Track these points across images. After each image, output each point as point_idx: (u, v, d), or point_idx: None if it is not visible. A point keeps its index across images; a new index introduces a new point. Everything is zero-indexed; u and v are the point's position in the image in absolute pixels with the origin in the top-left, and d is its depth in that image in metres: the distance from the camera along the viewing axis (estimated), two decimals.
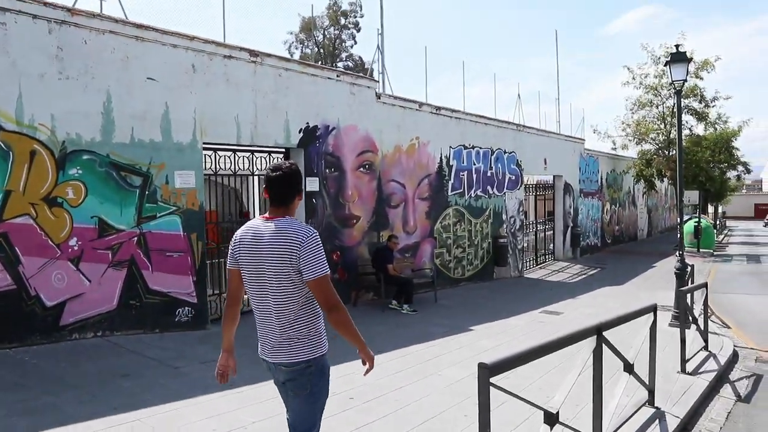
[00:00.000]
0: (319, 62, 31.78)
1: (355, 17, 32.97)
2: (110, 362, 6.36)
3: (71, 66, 6.92)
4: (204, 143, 8.32)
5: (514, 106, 20.93)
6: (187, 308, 8.05)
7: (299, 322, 2.87)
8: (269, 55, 9.09)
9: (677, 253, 10.42)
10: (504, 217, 15.47)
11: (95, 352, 6.67)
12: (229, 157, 8.95)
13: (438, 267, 12.95)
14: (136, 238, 7.55)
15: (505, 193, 15.49)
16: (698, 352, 7.67)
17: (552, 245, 19.26)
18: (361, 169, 10.89)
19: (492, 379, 3.16)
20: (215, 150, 8.74)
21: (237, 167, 9.08)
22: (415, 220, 12.28)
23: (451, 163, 13.36)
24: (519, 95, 20.38)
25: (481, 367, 3.01)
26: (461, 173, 13.76)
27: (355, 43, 33.36)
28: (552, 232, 19.25)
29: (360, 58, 33.96)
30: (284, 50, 32.43)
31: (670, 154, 21.52)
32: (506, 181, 15.56)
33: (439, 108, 13.00)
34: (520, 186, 16.24)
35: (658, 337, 8.51)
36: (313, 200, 9.91)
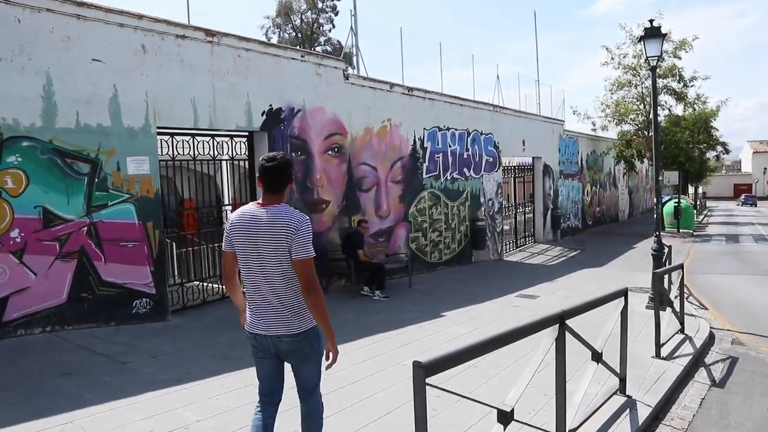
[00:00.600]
0: (298, 46, 31.10)
1: (332, 0, 32.28)
2: (54, 359, 5.94)
3: (4, 46, 6.40)
4: (159, 127, 7.86)
5: (493, 89, 20.50)
6: (144, 299, 7.63)
7: (296, 296, 3.11)
8: (227, 35, 8.60)
9: (654, 234, 10.16)
10: (482, 199, 15.14)
11: (40, 349, 6.25)
12: (188, 141, 8.49)
13: (414, 251, 12.61)
14: (86, 228, 7.10)
15: (482, 176, 15.13)
16: (674, 335, 7.41)
17: (532, 228, 18.98)
18: (330, 152, 10.47)
19: (443, 375, 2.82)
20: (172, 135, 8.28)
21: (197, 152, 8.63)
22: (389, 203, 11.90)
23: (425, 145, 12.97)
24: (498, 77, 19.85)
25: (416, 366, 2.65)
26: (436, 155, 13.37)
27: (333, 27, 32.73)
28: (532, 214, 18.96)
29: (338, 41, 33.24)
30: (261, 35, 31.65)
31: (650, 134, 21.20)
32: (483, 163, 15.20)
33: (411, 89, 12.57)
34: (498, 168, 15.90)
35: (635, 320, 8.22)
36: None
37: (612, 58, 21.78)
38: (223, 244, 3.25)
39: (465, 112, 14.41)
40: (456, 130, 14.05)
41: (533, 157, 18.56)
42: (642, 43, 9.27)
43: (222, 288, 9.26)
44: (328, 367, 3.21)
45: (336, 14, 32.45)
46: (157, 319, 7.70)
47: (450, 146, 13.85)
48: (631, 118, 21.86)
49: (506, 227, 18.06)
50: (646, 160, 23.74)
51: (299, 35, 31.91)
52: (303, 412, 3.36)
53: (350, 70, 11.09)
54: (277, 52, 9.40)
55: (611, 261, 15.63)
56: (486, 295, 10.50)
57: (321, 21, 32.30)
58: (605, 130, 23.21)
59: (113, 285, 7.33)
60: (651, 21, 9.24)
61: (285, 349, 3.17)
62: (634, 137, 21.98)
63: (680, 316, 7.77)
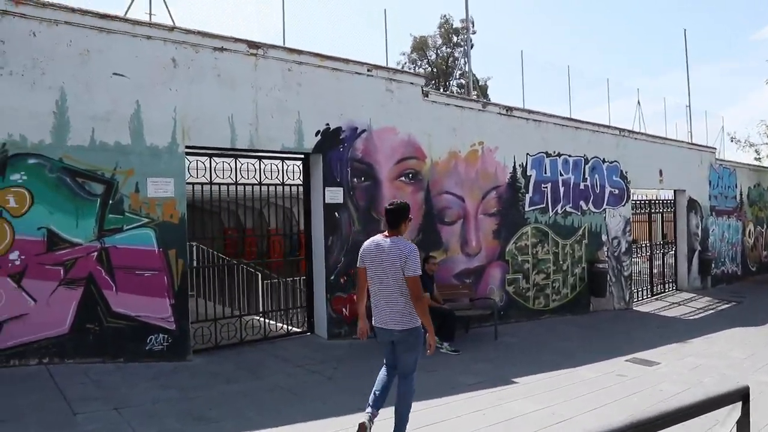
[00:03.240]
0: (432, 82, 30.11)
1: (468, 34, 30.99)
2: (12, 399, 5.01)
3: (15, 61, 5.83)
4: (189, 147, 6.93)
5: (633, 116, 17.53)
6: (161, 335, 6.60)
7: (406, 302, 4.25)
8: (274, 47, 7.54)
9: None
10: (604, 237, 12.46)
11: (15, 384, 5.38)
12: (229, 163, 7.48)
13: (511, 296, 10.47)
14: (96, 253, 6.27)
15: (605, 210, 12.49)
16: None
17: (674, 273, 15.55)
18: (403, 178, 8.90)
19: None
20: (210, 156, 7.31)
21: (239, 176, 7.57)
22: (479, 239, 9.96)
23: (528, 174, 10.85)
24: (639, 102, 16.95)
25: None
26: (543, 185, 11.15)
27: (468, 60, 31.28)
28: (674, 257, 15.54)
29: (474, 75, 31.82)
30: None
31: None
32: (606, 195, 12.56)
33: (510, 108, 10.61)
34: (626, 201, 13.08)
35: None
36: (336, 214, 8.10)
37: None
38: (358, 262, 4.44)
39: (582, 135, 12.01)
40: (570, 156, 11.71)
41: (675, 190, 15.25)
42: None
43: (266, 323, 8.05)
44: (429, 353, 4.30)
45: (471, 47, 31.09)
46: (174, 359, 6.63)
47: (562, 175, 11.54)
48: None
49: (651, 270, 14.97)
50: None
51: (434, 70, 30.98)
52: (398, 390, 4.35)
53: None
54: (336, 66, 8.14)
55: None
56: (587, 357, 8.11)
57: (456, 55, 31.13)
58: None
59: (125, 317, 6.39)
60: None
61: (396, 339, 4.27)
62: None
63: None
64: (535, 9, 56.53)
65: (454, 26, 30.51)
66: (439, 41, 31.10)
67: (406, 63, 30.90)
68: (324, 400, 5.54)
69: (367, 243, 4.43)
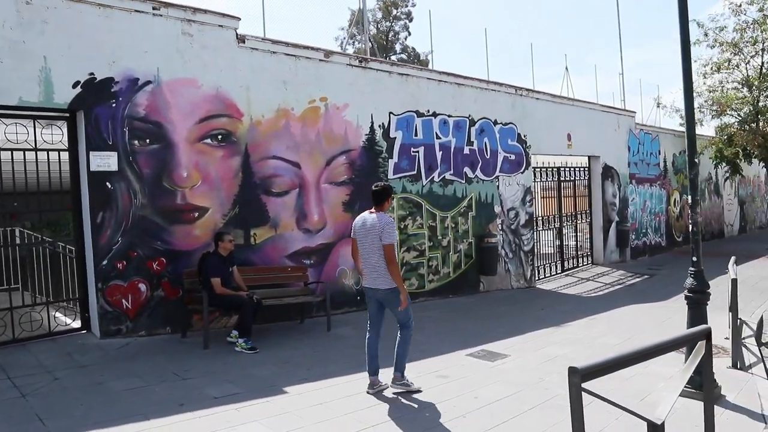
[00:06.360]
0: (374, 57, 28.20)
1: (407, 6, 28.99)
2: None
3: None
4: None
5: (561, 82, 15.99)
6: None
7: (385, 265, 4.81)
8: None
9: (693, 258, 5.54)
10: (497, 209, 10.86)
11: None
12: None
13: None
14: None
15: (498, 178, 10.86)
16: None
17: (590, 246, 14.05)
18: (209, 140, 7.13)
19: None
20: None
21: None
22: (323, 212, 8.26)
23: (392, 136, 9.15)
24: (567, 68, 15.51)
25: None
26: (413, 149, 9.47)
27: (409, 34, 29.30)
28: (588, 229, 14.02)
29: (413, 48, 29.82)
30: (336, 46, 29.11)
31: (760, 126, 15.05)
32: (500, 161, 10.93)
33: (364, 59, 8.91)
34: (525, 168, 11.47)
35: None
36: (108, 184, 6.34)
37: (705, 35, 15.92)
38: (351, 234, 5.12)
39: (466, 93, 10.32)
40: (449, 117, 10.02)
41: (589, 156, 13.68)
42: None
43: (13, 321, 6.28)
44: (400, 308, 4.85)
45: (410, 21, 29.14)
46: None
47: (439, 138, 9.86)
48: (732, 109, 15.77)
49: (562, 244, 13.48)
50: (759, 161, 16.99)
51: (374, 45, 29.04)
52: (399, 336, 5.03)
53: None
54: (105, 2, 6.30)
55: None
56: (424, 351, 6.51)
57: (396, 29, 29.15)
58: (700, 125, 17.12)
59: None
60: None
61: (381, 297, 4.90)
62: (737, 131, 15.76)
63: None
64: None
65: (393, 0, 28.47)
66: (379, 15, 29.09)
67: (345, 38, 28.87)
68: None
69: (357, 219, 5.05)
